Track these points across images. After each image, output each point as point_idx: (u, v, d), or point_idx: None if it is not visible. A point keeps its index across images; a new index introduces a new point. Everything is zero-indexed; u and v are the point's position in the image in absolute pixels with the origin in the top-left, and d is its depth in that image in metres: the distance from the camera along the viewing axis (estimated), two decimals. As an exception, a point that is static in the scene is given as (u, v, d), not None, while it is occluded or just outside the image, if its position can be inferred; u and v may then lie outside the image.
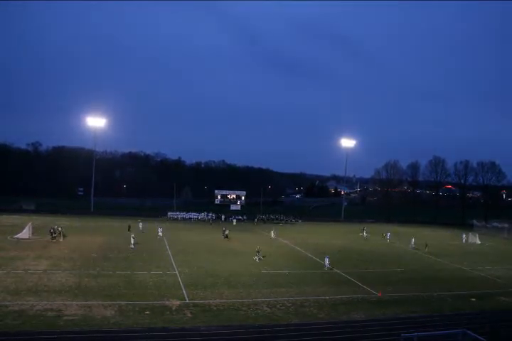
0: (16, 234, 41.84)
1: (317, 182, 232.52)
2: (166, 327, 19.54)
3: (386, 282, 31.27)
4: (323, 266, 34.79)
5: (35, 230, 43.64)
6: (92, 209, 74.09)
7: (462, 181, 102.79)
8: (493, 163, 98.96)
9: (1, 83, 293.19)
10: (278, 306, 23.88)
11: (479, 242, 58.10)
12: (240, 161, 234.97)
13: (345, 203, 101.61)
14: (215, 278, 29.28)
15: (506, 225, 68.65)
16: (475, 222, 77.64)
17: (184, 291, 25.60)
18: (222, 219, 71.26)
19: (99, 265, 31.32)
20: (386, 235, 56.16)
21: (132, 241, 39.91)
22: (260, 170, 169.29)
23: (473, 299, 27.86)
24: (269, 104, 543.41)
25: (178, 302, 23.31)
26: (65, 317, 19.78)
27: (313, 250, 43.29)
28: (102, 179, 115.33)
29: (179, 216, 72.89)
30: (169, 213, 72.67)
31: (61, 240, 41.26)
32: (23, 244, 38.08)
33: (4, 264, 29.55)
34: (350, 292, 28.01)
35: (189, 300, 24.01)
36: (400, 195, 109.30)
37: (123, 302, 22.60)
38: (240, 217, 74.86)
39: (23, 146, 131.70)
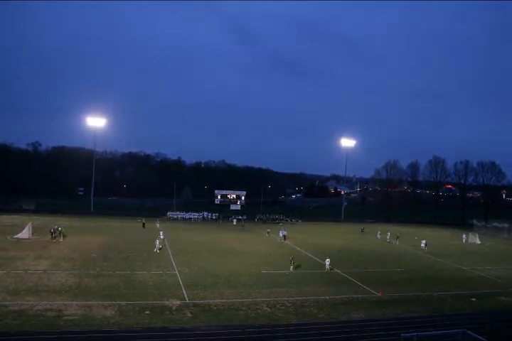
0: (16, 234, 41.85)
1: (317, 182, 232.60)
2: (166, 327, 19.54)
3: (386, 282, 31.27)
4: (323, 267, 34.50)
5: (35, 230, 43.64)
6: (92, 209, 74.08)
7: (462, 181, 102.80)
8: (493, 163, 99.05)
9: (1, 83, 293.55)
10: (278, 306, 23.89)
11: (479, 242, 58.11)
12: (239, 161, 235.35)
13: (345, 203, 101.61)
14: (215, 278, 29.28)
15: (506, 225, 68.62)
16: (475, 222, 77.63)
17: (184, 291, 25.60)
18: (231, 220, 71.18)
19: (99, 265, 31.33)
20: (386, 235, 56.12)
21: (157, 243, 38.55)
22: (260, 170, 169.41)
23: (473, 299, 27.87)
24: (269, 104, 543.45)
25: (178, 302, 23.31)
26: (65, 317, 19.78)
27: (313, 250, 43.29)
28: (102, 179, 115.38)
29: (179, 216, 72.90)
30: (169, 213, 72.68)
31: (61, 240, 41.26)
32: (23, 244, 38.09)
33: (4, 264, 29.56)
34: (350, 292, 28.01)
35: (189, 300, 24.01)
36: (400, 195, 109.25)
37: (123, 302, 22.60)
38: (240, 217, 74.88)
39: (23, 146, 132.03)
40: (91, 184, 77.72)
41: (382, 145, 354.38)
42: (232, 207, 75.73)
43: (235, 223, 68.59)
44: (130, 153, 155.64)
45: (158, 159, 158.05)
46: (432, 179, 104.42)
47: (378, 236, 57.66)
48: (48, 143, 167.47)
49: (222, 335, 19.14)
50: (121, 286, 25.88)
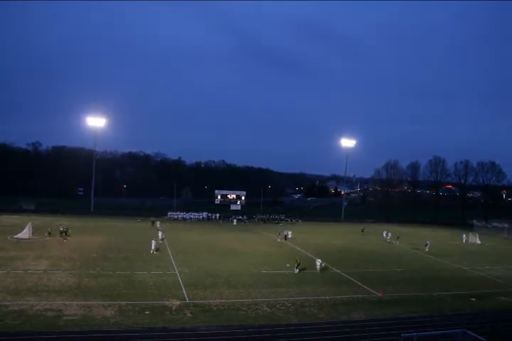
0: (16, 234, 41.85)
1: (317, 182, 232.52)
2: (166, 327, 19.53)
3: (386, 282, 31.27)
4: (315, 267, 33.87)
5: (35, 230, 43.64)
6: (92, 209, 74.08)
7: (462, 181, 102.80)
8: (493, 163, 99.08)
9: (1, 83, 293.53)
10: (278, 306, 23.88)
11: (479, 242, 58.09)
12: (239, 161, 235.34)
13: (345, 203, 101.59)
14: (215, 278, 29.27)
15: (506, 225, 68.60)
16: (475, 222, 77.62)
17: (184, 291, 25.60)
18: (232, 220, 71.29)
19: (99, 265, 31.32)
20: (386, 236, 56.01)
21: (153, 245, 37.83)
22: (260, 170, 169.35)
23: (473, 299, 27.86)
24: (269, 104, 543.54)
25: (178, 302, 23.31)
26: (65, 317, 19.78)
27: (313, 250, 43.28)
28: (102, 179, 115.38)
29: (179, 216, 72.91)
30: (169, 213, 72.68)
31: (64, 241, 41.27)
32: (23, 244, 38.09)
33: (4, 264, 29.55)
34: (351, 292, 28.01)
35: (189, 300, 24.00)
36: (399, 195, 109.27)
37: (123, 302, 22.59)
38: (240, 217, 74.90)
39: (23, 146, 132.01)
40: (91, 184, 77.73)
41: (382, 145, 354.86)
42: (232, 207, 75.74)
43: (235, 223, 68.56)
44: (130, 153, 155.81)
45: (158, 159, 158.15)
46: (432, 179, 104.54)
47: (384, 235, 56.62)
48: (48, 143, 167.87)
49: (223, 335, 19.13)
50: (121, 286, 25.88)
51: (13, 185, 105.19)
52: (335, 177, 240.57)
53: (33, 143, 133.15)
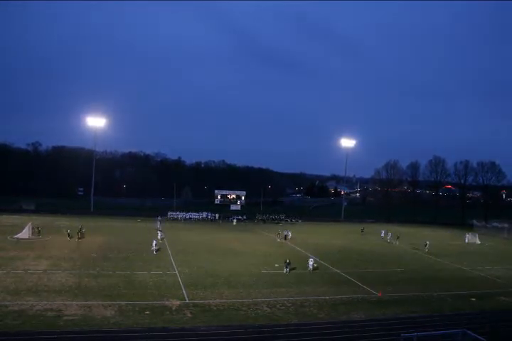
0: (16, 234, 41.85)
1: (317, 182, 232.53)
2: (166, 327, 19.54)
3: (386, 282, 31.28)
4: (308, 267, 33.61)
5: (35, 230, 43.63)
6: (92, 209, 74.06)
7: (462, 181, 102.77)
8: (493, 163, 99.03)
9: (1, 83, 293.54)
10: (278, 306, 23.89)
11: (479, 242, 58.11)
12: (239, 161, 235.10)
13: (345, 203, 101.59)
14: (215, 278, 29.28)
15: (506, 225, 68.63)
16: (475, 222, 77.65)
17: (184, 291, 25.61)
18: (232, 220, 71.42)
19: (99, 265, 31.32)
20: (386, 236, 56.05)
21: (154, 245, 38.00)
22: (260, 170, 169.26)
23: (473, 299, 27.87)
24: (269, 104, 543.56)
25: (178, 302, 23.32)
26: (65, 317, 19.79)
27: (313, 250, 43.27)
28: (102, 179, 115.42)
29: (179, 216, 72.91)
30: (169, 213, 72.65)
31: (76, 240, 41.84)
32: (23, 244, 38.09)
33: (4, 264, 29.56)
34: (350, 292, 28.02)
35: (189, 300, 24.02)
36: (400, 195, 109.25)
37: (123, 302, 22.60)
38: (240, 217, 74.92)
39: (23, 146, 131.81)
40: (91, 184, 77.71)
41: (382, 145, 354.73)
42: (232, 207, 75.71)
43: (235, 223, 68.56)
44: (130, 153, 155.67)
45: (158, 159, 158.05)
46: (432, 179, 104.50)
47: (383, 234, 57.03)
48: (48, 143, 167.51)
49: (223, 335, 19.14)
50: (121, 286, 25.88)
51: (13, 185, 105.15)
52: (335, 177, 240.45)
53: (33, 143, 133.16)
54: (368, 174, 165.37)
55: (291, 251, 43.22)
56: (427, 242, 48.25)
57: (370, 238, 57.40)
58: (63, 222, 56.81)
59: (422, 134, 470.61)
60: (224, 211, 75.25)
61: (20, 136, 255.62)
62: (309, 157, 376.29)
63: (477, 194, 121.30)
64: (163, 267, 31.95)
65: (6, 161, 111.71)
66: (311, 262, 33.66)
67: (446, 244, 56.36)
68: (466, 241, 58.54)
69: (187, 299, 24.13)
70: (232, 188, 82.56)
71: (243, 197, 76.89)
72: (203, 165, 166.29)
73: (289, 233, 51.99)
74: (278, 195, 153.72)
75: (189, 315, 21.47)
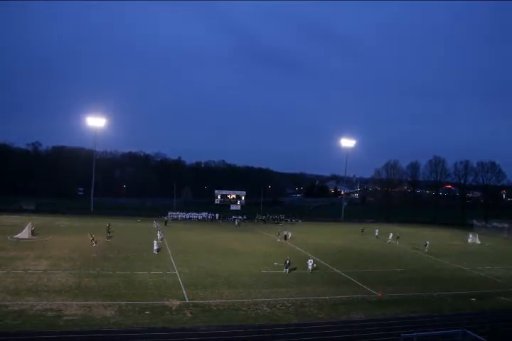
0: (16, 234, 41.84)
1: (317, 182, 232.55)
2: (166, 327, 19.55)
3: (386, 282, 31.28)
4: (308, 268, 33.43)
5: (35, 230, 43.63)
6: (92, 209, 74.04)
7: (462, 181, 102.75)
8: (493, 163, 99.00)
9: (1, 83, 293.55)
10: (278, 306, 23.89)
11: (479, 242, 58.10)
12: (239, 161, 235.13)
13: (345, 203, 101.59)
14: (215, 278, 29.29)
15: (506, 225, 68.58)
16: (475, 222, 77.58)
17: (184, 291, 25.61)
18: (234, 220, 71.61)
19: (99, 265, 31.32)
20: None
21: (155, 245, 37.90)
22: (260, 170, 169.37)
23: (473, 299, 27.87)
24: (269, 104, 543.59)
25: (178, 302, 23.32)
26: (65, 317, 19.79)
27: (313, 250, 43.28)
28: (102, 179, 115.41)
29: (179, 216, 72.92)
30: (169, 213, 72.63)
31: (106, 240, 42.63)
32: (23, 244, 38.08)
33: (4, 264, 29.55)
34: (350, 292, 28.02)
35: (189, 300, 24.02)
36: (400, 195, 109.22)
37: (123, 302, 22.60)
38: (240, 217, 74.92)
39: (23, 146, 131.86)
40: (91, 184, 77.70)
41: (382, 145, 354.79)
42: (232, 207, 75.70)
43: (236, 223, 68.55)
44: (130, 153, 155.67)
45: (158, 159, 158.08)
46: (432, 179, 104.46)
47: (377, 234, 58.12)
48: (48, 143, 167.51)
49: (223, 335, 19.15)
50: (121, 286, 25.89)
51: (13, 185, 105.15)
52: (335, 177, 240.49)
53: (33, 143, 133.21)
54: (367, 174, 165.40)
55: (291, 251, 43.21)
56: (427, 242, 48.26)
57: (370, 238, 57.41)
58: (63, 222, 56.84)
59: (422, 134, 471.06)
60: (224, 211, 75.27)
61: (20, 136, 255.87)
62: (309, 157, 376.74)
63: (477, 194, 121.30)
64: (163, 267, 31.95)
65: (6, 161, 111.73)
66: (310, 262, 33.61)
67: (446, 244, 56.37)
68: (469, 241, 58.48)
69: (187, 299, 24.13)
70: (232, 188, 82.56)
71: (243, 197, 76.88)
72: (203, 165, 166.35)
73: (289, 233, 51.99)
74: (278, 195, 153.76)
75: (189, 315, 21.47)
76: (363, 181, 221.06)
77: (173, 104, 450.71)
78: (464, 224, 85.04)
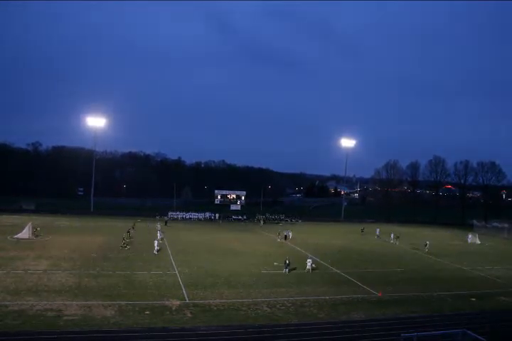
0: (16, 234, 41.84)
1: (317, 182, 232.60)
2: (166, 327, 19.54)
3: (386, 282, 31.27)
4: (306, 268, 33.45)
5: (36, 230, 43.61)
6: (92, 209, 74.07)
7: (462, 181, 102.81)
8: (493, 163, 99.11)
9: (1, 83, 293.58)
10: (278, 306, 23.88)
11: (479, 242, 58.11)
12: (239, 161, 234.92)
13: (345, 203, 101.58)
14: (215, 278, 29.28)
15: (506, 225, 68.59)
16: (475, 222, 77.59)
17: (184, 291, 25.61)
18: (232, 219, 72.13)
19: (99, 265, 31.31)
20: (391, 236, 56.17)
21: (156, 245, 37.72)
22: (260, 170, 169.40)
23: (473, 299, 27.86)
24: (269, 104, 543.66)
25: (178, 302, 23.31)
26: (65, 317, 19.78)
27: (313, 250, 43.27)
28: (102, 179, 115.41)
29: (179, 216, 72.94)
30: (169, 213, 72.64)
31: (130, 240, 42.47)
32: (23, 244, 38.08)
33: (4, 264, 29.54)
34: (350, 292, 28.02)
35: (189, 300, 24.01)
36: (400, 195, 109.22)
37: (123, 302, 22.60)
38: (240, 217, 74.94)
39: (23, 146, 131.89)
40: (91, 184, 77.72)
41: (382, 145, 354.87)
42: (232, 207, 75.70)
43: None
44: (130, 153, 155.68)
45: (158, 159, 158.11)
46: (432, 179, 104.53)
47: (378, 232, 58.46)
48: (48, 143, 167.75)
49: (223, 335, 19.14)
50: (121, 286, 25.88)
51: (13, 185, 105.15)
52: (335, 177, 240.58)
53: (33, 143, 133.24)
54: (368, 174, 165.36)
55: (291, 251, 43.21)
56: (427, 242, 48.26)
57: (370, 238, 57.43)
58: (63, 221, 56.87)
59: (422, 134, 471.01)
60: (224, 211, 75.28)
61: (20, 136, 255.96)
62: (309, 157, 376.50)
63: (477, 194, 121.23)
64: (163, 267, 31.95)
65: (6, 161, 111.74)
66: (309, 262, 33.60)
67: (446, 244, 56.37)
68: (469, 241, 58.48)
69: (187, 299, 24.13)
70: (232, 188, 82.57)
71: (243, 197, 76.89)
72: (203, 165, 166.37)
73: (290, 233, 51.98)
74: (278, 195, 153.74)
75: (189, 315, 21.47)
76: (363, 181, 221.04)
77: (173, 104, 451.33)
78: (464, 224, 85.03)
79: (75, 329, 18.38)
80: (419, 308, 25.21)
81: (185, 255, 37.41)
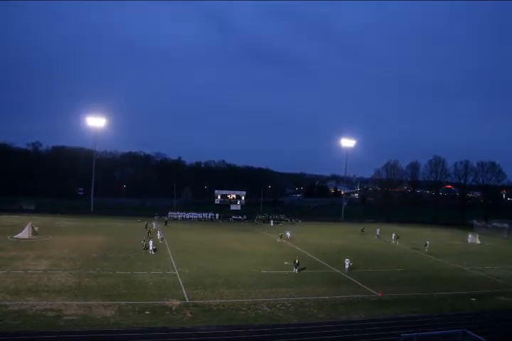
0: (16, 234, 41.85)
1: (317, 182, 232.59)
2: (166, 327, 19.54)
3: (386, 282, 31.27)
4: (344, 269, 34.06)
5: (35, 230, 43.62)
6: (92, 209, 74.09)
7: (462, 181, 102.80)
8: (493, 163, 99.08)
9: (1, 83, 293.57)
10: (278, 306, 23.89)
11: (479, 242, 58.10)
12: (239, 161, 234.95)
13: (345, 203, 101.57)
14: (215, 278, 29.28)
15: (506, 225, 68.59)
16: (475, 222, 77.57)
17: (184, 291, 25.61)
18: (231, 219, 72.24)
19: (99, 265, 31.32)
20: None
21: (151, 245, 37.61)
22: (260, 170, 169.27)
23: (473, 299, 27.87)
24: (269, 104, 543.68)
25: (178, 302, 23.31)
26: (65, 317, 19.78)
27: (313, 250, 43.29)
28: (102, 179, 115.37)
29: (179, 216, 72.94)
30: (169, 213, 72.65)
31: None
32: (23, 244, 38.08)
33: (4, 264, 29.55)
34: (350, 292, 28.02)
35: (189, 300, 24.01)
36: (400, 195, 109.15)
37: (123, 302, 22.60)
38: (240, 217, 74.92)
39: (23, 146, 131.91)
40: (91, 184, 77.72)
41: (382, 145, 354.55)
42: (232, 207, 75.71)
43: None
44: (130, 153, 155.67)
45: (158, 159, 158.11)
46: (432, 179, 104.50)
47: (378, 232, 58.62)
48: (48, 143, 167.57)
49: (223, 335, 19.14)
50: (121, 286, 25.88)
51: (13, 185, 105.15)
52: (335, 177, 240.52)
53: (33, 143, 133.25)
54: (368, 174, 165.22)
55: (292, 251, 43.22)
56: (427, 242, 48.26)
57: (370, 238, 57.43)
58: (63, 222, 56.88)
59: (422, 134, 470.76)
60: (224, 211, 75.27)
61: (20, 136, 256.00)
62: (309, 157, 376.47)
63: (477, 194, 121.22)
64: (163, 267, 31.95)
65: (6, 161, 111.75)
66: (347, 262, 34.22)
67: (446, 244, 56.36)
68: (469, 241, 58.47)
69: (187, 299, 24.13)
70: (232, 188, 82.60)
71: (243, 197, 76.91)
72: (203, 165, 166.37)
73: (288, 232, 51.94)
74: (278, 195, 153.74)
75: (189, 315, 21.47)
76: (363, 181, 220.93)
77: (173, 104, 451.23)
78: (464, 224, 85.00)
79: (75, 329, 18.38)
80: (419, 308, 25.21)
81: (185, 255, 37.41)
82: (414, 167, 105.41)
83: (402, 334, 17.50)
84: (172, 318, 20.75)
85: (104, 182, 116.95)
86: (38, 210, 67.90)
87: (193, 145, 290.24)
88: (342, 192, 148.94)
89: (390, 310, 24.36)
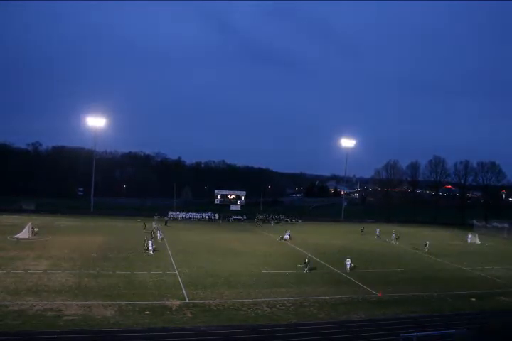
0: (16, 234, 41.86)
1: (317, 182, 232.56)
2: (166, 327, 19.55)
3: (386, 282, 31.28)
4: (344, 269, 34.36)
5: (36, 231, 43.63)
6: (92, 209, 74.08)
7: (462, 181, 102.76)
8: (493, 163, 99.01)
9: (2, 83, 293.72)
10: (278, 306, 23.89)
11: (479, 242, 58.11)
12: (239, 161, 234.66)
13: (345, 203, 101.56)
14: (215, 278, 29.29)
15: (506, 225, 68.59)
16: (475, 222, 77.55)
17: (184, 291, 25.61)
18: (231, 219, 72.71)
19: (99, 265, 31.33)
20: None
21: (151, 245, 37.69)
22: (260, 170, 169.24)
23: (473, 299, 27.88)
24: (269, 104, 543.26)
25: (178, 302, 23.32)
26: (65, 317, 19.79)
27: (313, 250, 43.28)
28: (102, 179, 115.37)
29: (179, 216, 72.96)
30: (169, 213, 72.63)
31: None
32: (23, 244, 38.09)
33: (4, 264, 29.56)
34: (350, 292, 28.03)
35: (189, 300, 24.02)
36: (400, 195, 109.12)
37: (123, 302, 22.61)
38: (240, 217, 74.92)
39: (23, 146, 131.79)
40: (91, 184, 77.72)
41: (382, 145, 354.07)
42: (232, 207, 75.68)
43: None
44: (130, 153, 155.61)
45: (158, 159, 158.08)
46: (432, 179, 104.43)
47: (378, 232, 58.76)
48: (48, 143, 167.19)
49: (223, 335, 19.15)
50: (121, 286, 25.89)
51: (13, 185, 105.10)
52: (335, 177, 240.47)
53: (33, 143, 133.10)
54: (368, 174, 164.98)
55: (292, 251, 43.25)
56: (427, 242, 48.26)
57: (370, 238, 57.44)
58: (63, 221, 56.88)
59: (422, 134, 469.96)
60: (224, 211, 75.29)
61: (20, 136, 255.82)
62: (309, 157, 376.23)
63: (477, 194, 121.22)
64: (163, 267, 31.96)
65: (6, 161, 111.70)
66: (348, 262, 34.44)
67: (446, 244, 56.37)
68: (469, 241, 58.48)
69: (187, 299, 24.14)
70: (232, 188, 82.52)
71: (243, 197, 76.87)
72: (203, 165, 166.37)
73: (287, 236, 51.87)
74: (278, 195, 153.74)
75: (189, 315, 21.48)
76: (363, 181, 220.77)
77: (173, 104, 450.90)
78: (464, 224, 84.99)
79: (75, 329, 18.39)
80: (419, 308, 25.22)
81: (185, 255, 37.41)
82: (414, 167, 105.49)
83: (402, 334, 17.53)
84: (172, 318, 20.76)
85: (104, 182, 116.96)
86: (38, 210, 67.89)
87: (193, 145, 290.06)
88: (342, 192, 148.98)
89: (390, 310, 24.37)
